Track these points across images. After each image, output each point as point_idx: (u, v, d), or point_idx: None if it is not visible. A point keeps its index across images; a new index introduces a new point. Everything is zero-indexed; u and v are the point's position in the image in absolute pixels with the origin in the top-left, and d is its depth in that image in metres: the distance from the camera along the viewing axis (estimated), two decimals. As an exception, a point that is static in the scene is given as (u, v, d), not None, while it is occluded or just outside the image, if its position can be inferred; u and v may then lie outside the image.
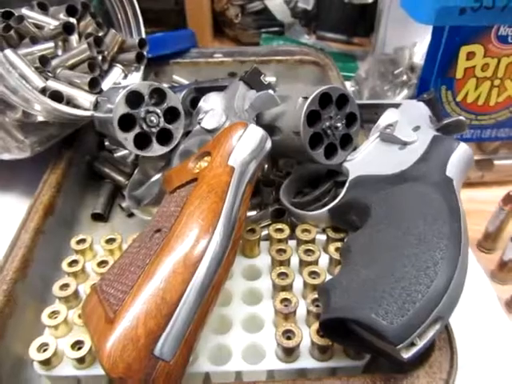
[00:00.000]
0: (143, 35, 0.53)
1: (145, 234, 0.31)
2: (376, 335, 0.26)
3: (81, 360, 0.30)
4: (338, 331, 0.29)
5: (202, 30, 0.77)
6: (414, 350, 0.25)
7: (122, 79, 0.50)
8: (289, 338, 0.30)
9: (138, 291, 0.26)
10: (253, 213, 0.45)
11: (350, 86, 0.65)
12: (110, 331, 0.25)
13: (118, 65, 0.49)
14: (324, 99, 0.38)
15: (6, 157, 0.43)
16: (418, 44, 0.57)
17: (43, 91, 0.42)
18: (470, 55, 0.42)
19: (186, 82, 0.63)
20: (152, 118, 0.38)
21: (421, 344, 0.25)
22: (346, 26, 0.84)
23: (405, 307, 0.25)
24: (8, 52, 0.42)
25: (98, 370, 0.31)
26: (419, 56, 0.54)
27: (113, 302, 0.27)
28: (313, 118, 0.38)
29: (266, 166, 0.48)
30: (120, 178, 0.50)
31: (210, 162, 0.32)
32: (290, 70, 0.64)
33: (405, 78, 0.52)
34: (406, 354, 0.25)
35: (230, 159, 0.32)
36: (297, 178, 0.44)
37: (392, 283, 0.26)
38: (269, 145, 0.34)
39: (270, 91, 0.38)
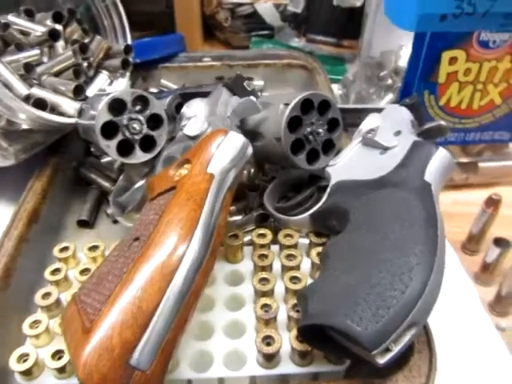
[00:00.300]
0: (129, 41, 0.53)
1: (124, 243, 0.31)
2: (351, 341, 0.26)
3: (61, 370, 0.30)
4: (318, 337, 0.29)
5: (192, 33, 0.77)
6: (389, 355, 0.25)
7: (108, 85, 0.50)
8: (268, 344, 0.30)
9: (115, 300, 0.26)
10: (238, 217, 0.45)
11: (337, 89, 0.65)
12: (86, 341, 0.25)
13: (103, 71, 0.49)
14: (306, 105, 0.38)
15: (-10, 165, 0.43)
16: (404, 47, 0.57)
17: (27, 99, 0.42)
18: (452, 60, 0.42)
19: (174, 86, 0.63)
20: (135, 125, 0.38)
21: (396, 349, 0.25)
22: (336, 28, 0.84)
23: (379, 313, 0.25)
24: (-9, 60, 0.42)
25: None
26: (405, 60, 0.54)
27: (90, 311, 0.27)
28: (294, 123, 0.38)
29: (252, 170, 0.48)
30: (106, 184, 0.50)
31: (189, 169, 0.32)
32: (278, 73, 0.65)
33: (390, 81, 0.53)
34: (382, 360, 0.25)
35: (210, 167, 0.32)
36: (281, 182, 0.44)
37: (367, 289, 0.26)
38: (250, 151, 0.35)
39: (252, 98, 0.38)
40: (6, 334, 0.35)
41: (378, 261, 0.27)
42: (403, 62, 0.54)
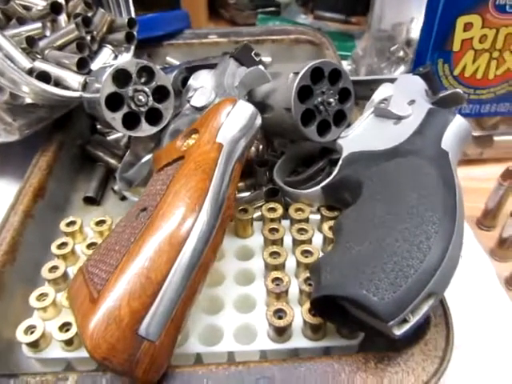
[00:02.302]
0: (133, 15, 0.52)
1: (131, 214, 0.30)
2: (367, 312, 0.25)
3: (69, 342, 0.30)
4: (330, 309, 0.28)
5: (197, 11, 0.76)
6: (407, 326, 0.25)
7: (112, 60, 0.49)
8: (280, 318, 0.30)
9: (122, 270, 0.25)
10: (246, 194, 0.44)
11: (346, 65, 0.64)
12: (93, 311, 0.24)
13: (107, 45, 0.48)
14: (316, 74, 0.37)
15: (-6, 140, 0.42)
16: (416, 20, 0.55)
17: (30, 72, 0.41)
18: (468, 26, 0.41)
19: (179, 63, 0.62)
20: (140, 97, 0.37)
21: (413, 320, 0.25)
22: (344, 4, 0.82)
23: (396, 282, 0.24)
24: (-7, 33, 0.41)
25: (85, 352, 0.31)
26: (416, 31, 0.52)
27: (97, 281, 0.26)
28: (305, 93, 0.37)
29: (261, 146, 0.47)
30: (113, 161, 0.49)
31: (197, 139, 0.31)
32: (285, 49, 0.63)
33: (401, 53, 0.51)
34: (398, 331, 0.24)
35: (219, 136, 0.31)
36: (290, 157, 0.43)
37: (384, 258, 0.25)
38: (259, 121, 0.33)
39: (261, 67, 0.37)
40: (12, 307, 0.34)
41: (394, 230, 0.26)
42: (415, 34, 0.52)
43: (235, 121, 0.32)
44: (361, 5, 0.82)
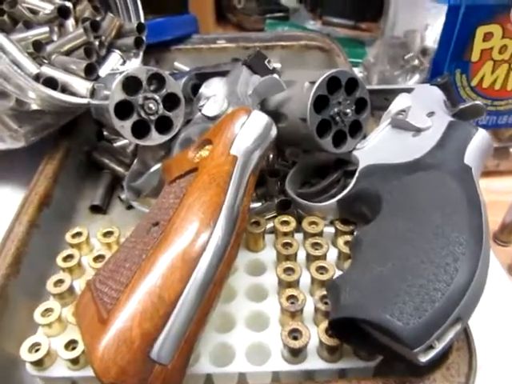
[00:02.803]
0: (142, 19, 0.51)
1: (141, 228, 0.29)
2: (390, 337, 0.24)
3: (75, 361, 0.29)
4: (348, 330, 0.27)
5: (204, 15, 0.75)
6: (432, 353, 0.23)
7: (121, 65, 0.48)
8: (295, 338, 0.28)
9: (134, 289, 0.24)
10: (257, 204, 0.43)
11: (358, 72, 0.63)
12: (103, 332, 0.23)
13: (116, 50, 0.47)
14: (332, 84, 0.36)
15: (0, 147, 0.41)
16: (430, 27, 0.54)
17: (37, 78, 0.40)
18: (488, 36, 0.40)
19: (187, 69, 0.61)
20: (150, 105, 0.36)
21: (439, 347, 0.23)
22: (353, 10, 0.81)
23: (422, 307, 0.23)
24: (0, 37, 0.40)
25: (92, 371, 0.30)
26: (432, 39, 0.51)
27: (106, 300, 0.25)
28: (320, 103, 0.36)
29: (272, 155, 0.46)
30: (120, 169, 0.48)
31: (211, 150, 0.30)
32: (295, 55, 0.62)
33: (416, 62, 0.50)
34: (424, 358, 0.23)
35: (233, 148, 0.30)
36: (302, 167, 0.42)
37: (408, 280, 0.24)
38: (274, 132, 0.32)
39: (275, 75, 0.36)
40: (16, 321, 0.33)
41: (418, 250, 0.25)
42: (430, 41, 0.51)
43: (250, 132, 0.31)
44: (370, 11, 0.81)
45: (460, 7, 0.38)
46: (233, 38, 0.63)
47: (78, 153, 0.47)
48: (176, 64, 0.62)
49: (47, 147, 0.45)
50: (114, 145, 0.50)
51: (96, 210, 0.45)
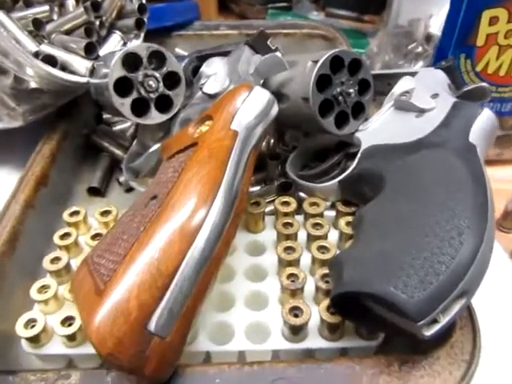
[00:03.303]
0: (143, 0, 0.50)
1: (139, 201, 0.29)
2: (394, 311, 0.23)
3: (71, 337, 0.28)
4: (350, 308, 0.26)
5: (207, 4, 0.74)
6: (437, 327, 0.23)
7: (121, 47, 0.47)
8: (296, 316, 0.28)
9: (131, 260, 0.24)
10: (257, 188, 0.42)
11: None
12: (100, 304, 0.23)
13: (116, 31, 0.47)
14: (335, 64, 0.35)
15: (-3, 126, 0.41)
16: (435, 16, 0.54)
17: (36, 56, 0.40)
18: (493, 20, 0.39)
19: (185, 54, 0.60)
20: (150, 83, 0.36)
21: (444, 321, 0.23)
22: (356, 2, 0.80)
23: (427, 280, 0.22)
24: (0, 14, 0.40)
25: (90, 349, 0.29)
26: (435, 27, 0.51)
27: (103, 272, 0.25)
28: (323, 83, 0.35)
29: (272, 139, 0.45)
30: (118, 152, 0.47)
31: (211, 125, 0.30)
32: (297, 44, 0.61)
33: (420, 49, 0.49)
34: (428, 332, 0.23)
35: (234, 123, 0.29)
36: (303, 151, 0.42)
37: (412, 254, 0.23)
38: (275, 109, 0.32)
39: (278, 54, 0.35)
40: (11, 300, 0.32)
41: (422, 225, 0.25)
42: (434, 29, 0.51)
43: (251, 107, 0.30)
44: (373, 3, 0.80)
45: (466, -10, 0.37)
46: (235, 25, 0.63)
47: (76, 135, 0.47)
48: (177, 50, 0.61)
49: (44, 129, 0.45)
50: (113, 128, 0.50)
51: (94, 192, 0.44)
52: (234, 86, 0.34)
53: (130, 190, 0.45)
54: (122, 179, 0.44)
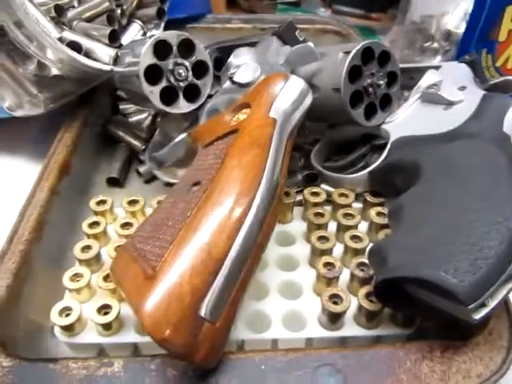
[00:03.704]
0: (163, -10, 0.49)
1: (179, 188, 0.28)
2: (444, 295, 0.23)
3: (107, 326, 0.28)
4: (391, 295, 0.26)
5: (215, -1, 0.74)
6: (485, 310, 0.23)
7: (141, 36, 0.47)
8: (335, 303, 0.28)
9: (181, 245, 0.23)
10: (280, 179, 0.42)
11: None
12: (151, 288, 0.22)
13: (137, 21, 0.46)
14: (365, 55, 0.35)
15: (19, 113, 0.40)
16: (450, 14, 0.54)
17: (60, 42, 0.39)
18: (516, 16, 0.40)
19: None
20: (180, 71, 0.36)
21: (492, 305, 0.23)
22: (363, 0, 0.81)
23: (477, 264, 0.23)
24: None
25: (124, 338, 0.29)
26: (452, 24, 0.52)
27: (150, 257, 0.24)
28: (353, 75, 0.35)
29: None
30: (135, 143, 0.46)
31: (250, 112, 0.30)
32: (310, 39, 0.61)
33: (435, 45, 0.50)
34: (477, 315, 0.23)
35: (272, 110, 0.29)
36: (328, 142, 0.42)
37: (460, 239, 0.24)
38: (310, 98, 0.32)
39: (310, 43, 0.35)
40: (38, 288, 0.32)
41: (468, 211, 0.25)
42: (450, 26, 0.51)
43: (288, 95, 0.30)
44: (380, 1, 0.81)
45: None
46: (247, 18, 0.62)
47: (95, 124, 0.46)
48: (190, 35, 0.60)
49: (62, 117, 0.44)
50: (129, 119, 0.49)
51: (113, 183, 0.44)
52: (265, 76, 0.34)
53: (148, 180, 0.45)
54: (141, 169, 0.44)
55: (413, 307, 0.27)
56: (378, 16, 0.79)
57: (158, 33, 0.36)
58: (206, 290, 0.23)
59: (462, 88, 0.36)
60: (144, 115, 0.50)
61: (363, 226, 0.35)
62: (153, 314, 0.22)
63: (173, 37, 0.35)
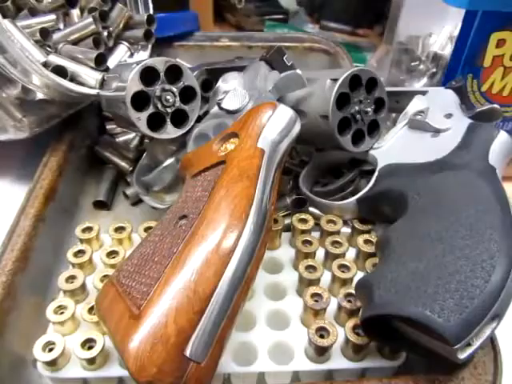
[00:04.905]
0: (151, 11, 0.49)
1: (167, 222, 0.28)
2: (430, 334, 0.23)
3: (91, 360, 0.27)
4: (378, 329, 0.26)
5: (204, 14, 0.74)
6: (470, 350, 0.23)
7: (128, 58, 0.46)
8: (322, 337, 0.28)
9: (167, 283, 0.23)
10: (269, 203, 0.42)
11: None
12: (136, 328, 0.22)
13: (123, 42, 0.46)
14: (353, 82, 0.36)
15: (3, 137, 0.39)
16: (435, 35, 0.55)
17: (45, 66, 0.39)
18: (500, 42, 0.40)
19: (190, 66, 0.59)
20: (168, 97, 0.35)
21: (477, 344, 0.23)
22: (350, 16, 0.82)
23: (462, 303, 0.23)
24: (6, 23, 0.38)
25: (109, 372, 0.28)
26: (437, 46, 0.52)
27: (136, 295, 0.24)
28: (341, 101, 0.35)
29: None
30: (123, 164, 0.46)
31: (238, 143, 0.30)
32: (298, 58, 0.62)
33: (422, 67, 0.50)
34: (462, 355, 0.23)
35: (260, 141, 0.29)
36: (315, 166, 0.42)
37: (446, 277, 0.24)
38: (298, 127, 0.32)
39: (298, 71, 0.35)
40: (22, 319, 0.31)
41: (454, 247, 0.25)
42: (435, 48, 0.52)
43: (276, 125, 0.30)
44: (367, 18, 0.82)
45: (477, 13, 0.38)
46: (236, 36, 0.63)
47: (81, 146, 0.46)
48: (178, 60, 0.60)
49: (48, 139, 0.44)
50: (117, 139, 0.49)
51: (100, 205, 0.43)
52: (253, 103, 0.34)
53: (136, 203, 0.44)
54: (129, 192, 0.44)
55: (399, 342, 0.27)
56: (365, 32, 0.80)
57: (146, 58, 0.35)
58: (192, 330, 0.22)
59: (449, 115, 0.36)
60: (132, 135, 0.50)
61: (351, 253, 0.35)
62: (137, 355, 0.21)
63: (160, 63, 0.35)
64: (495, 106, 0.35)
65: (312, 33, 0.75)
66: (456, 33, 0.43)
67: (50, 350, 0.27)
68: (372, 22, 0.82)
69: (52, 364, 0.27)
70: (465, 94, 0.39)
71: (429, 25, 0.56)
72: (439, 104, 0.37)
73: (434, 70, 0.49)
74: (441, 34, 0.52)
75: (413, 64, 0.52)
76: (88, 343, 0.28)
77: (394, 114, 0.44)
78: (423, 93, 0.40)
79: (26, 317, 0.31)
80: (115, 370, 0.28)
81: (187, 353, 0.22)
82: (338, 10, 0.81)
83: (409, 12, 0.56)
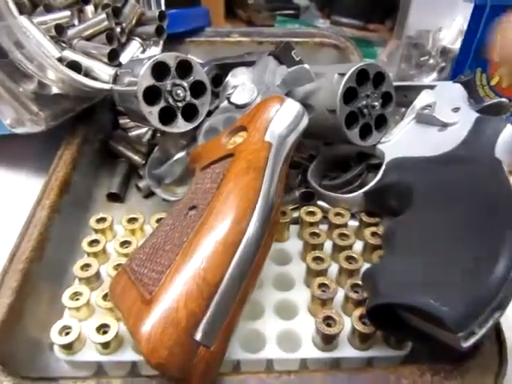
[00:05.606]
0: (163, 7, 0.50)
1: (177, 212, 0.29)
2: (434, 323, 0.24)
3: (106, 345, 0.28)
4: (383, 318, 0.27)
5: (215, 10, 0.74)
6: (474, 339, 0.24)
7: (140, 53, 0.47)
8: (329, 325, 0.28)
9: (177, 271, 0.24)
10: (277, 196, 0.43)
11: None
12: (148, 313, 0.23)
13: (136, 38, 0.47)
14: (360, 76, 0.36)
15: (20, 130, 0.40)
16: (445, 30, 0.55)
17: (60, 61, 0.40)
18: (509, 36, 0.40)
19: (201, 61, 0.60)
20: (178, 92, 0.36)
21: (480, 333, 0.24)
22: (361, 11, 0.81)
23: (466, 293, 0.23)
24: (22, 19, 0.39)
25: (122, 356, 0.29)
26: (447, 41, 0.52)
27: (147, 282, 0.25)
28: (348, 95, 0.36)
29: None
30: (136, 158, 0.47)
31: (246, 136, 0.30)
32: (308, 53, 0.62)
33: (431, 61, 0.51)
34: (466, 343, 0.23)
35: (267, 134, 0.30)
36: (323, 160, 0.42)
37: (451, 267, 0.24)
38: (305, 121, 0.32)
39: (306, 65, 0.36)
40: (39, 306, 0.32)
41: (458, 238, 0.26)
42: (445, 42, 0.52)
43: (283, 119, 0.31)
44: (378, 12, 0.82)
45: (485, 6, 0.38)
46: (246, 32, 0.63)
47: (94, 140, 0.47)
48: (189, 56, 0.61)
49: (62, 133, 0.45)
50: (130, 134, 0.50)
51: (113, 198, 0.44)
52: (261, 97, 0.35)
53: (148, 195, 0.45)
54: (141, 184, 0.45)
55: (405, 332, 0.27)
56: (376, 27, 0.80)
57: (157, 54, 0.36)
58: (202, 315, 0.23)
59: (456, 109, 0.36)
60: (144, 129, 0.51)
61: (359, 245, 0.36)
62: (149, 338, 0.22)
63: (171, 58, 0.36)
64: (503, 99, 0.36)
65: (322, 28, 0.75)
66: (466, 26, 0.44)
67: (67, 333, 0.28)
68: (383, 16, 0.82)
69: (68, 347, 0.29)
70: (473, 87, 0.39)
71: (439, 19, 0.56)
72: (447, 98, 0.38)
73: (444, 64, 0.49)
74: (451, 28, 0.52)
75: (422, 59, 0.52)
76: (102, 328, 0.29)
77: (402, 109, 0.44)
78: (431, 87, 0.40)
79: (42, 303, 0.33)
80: (129, 355, 0.29)
81: (197, 337, 0.23)
82: (348, 4, 0.81)
83: (419, 6, 0.56)
